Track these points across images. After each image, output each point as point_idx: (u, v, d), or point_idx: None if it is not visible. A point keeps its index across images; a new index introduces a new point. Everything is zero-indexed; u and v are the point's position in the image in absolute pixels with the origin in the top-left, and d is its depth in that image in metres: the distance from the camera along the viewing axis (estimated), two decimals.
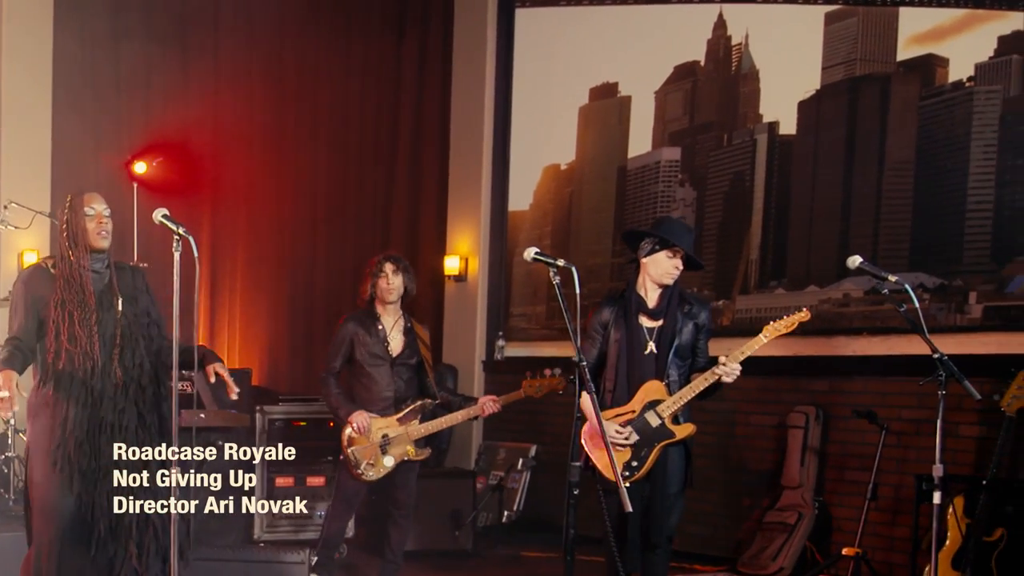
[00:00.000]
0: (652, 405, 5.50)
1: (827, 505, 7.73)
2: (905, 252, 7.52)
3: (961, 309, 7.20)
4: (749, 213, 8.47)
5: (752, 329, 5.67)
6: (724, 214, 8.67)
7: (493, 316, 10.40)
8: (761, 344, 5.49)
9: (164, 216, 4.83)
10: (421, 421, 6.73)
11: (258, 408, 8.28)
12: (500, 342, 10.26)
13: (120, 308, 5.08)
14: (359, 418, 6.62)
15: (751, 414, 8.23)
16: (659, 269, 5.54)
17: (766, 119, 8.44)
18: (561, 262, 4.87)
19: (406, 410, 6.70)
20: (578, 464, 4.87)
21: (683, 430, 5.54)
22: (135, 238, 9.22)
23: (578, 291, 4.80)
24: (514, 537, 8.87)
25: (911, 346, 6.96)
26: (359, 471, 6.64)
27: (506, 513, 8.96)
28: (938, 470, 5.28)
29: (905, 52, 7.65)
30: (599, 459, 5.48)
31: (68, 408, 4.96)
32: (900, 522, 7.23)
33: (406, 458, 6.68)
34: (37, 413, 5.01)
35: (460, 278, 10.55)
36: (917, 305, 5.36)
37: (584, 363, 4.82)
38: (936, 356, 5.26)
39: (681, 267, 5.55)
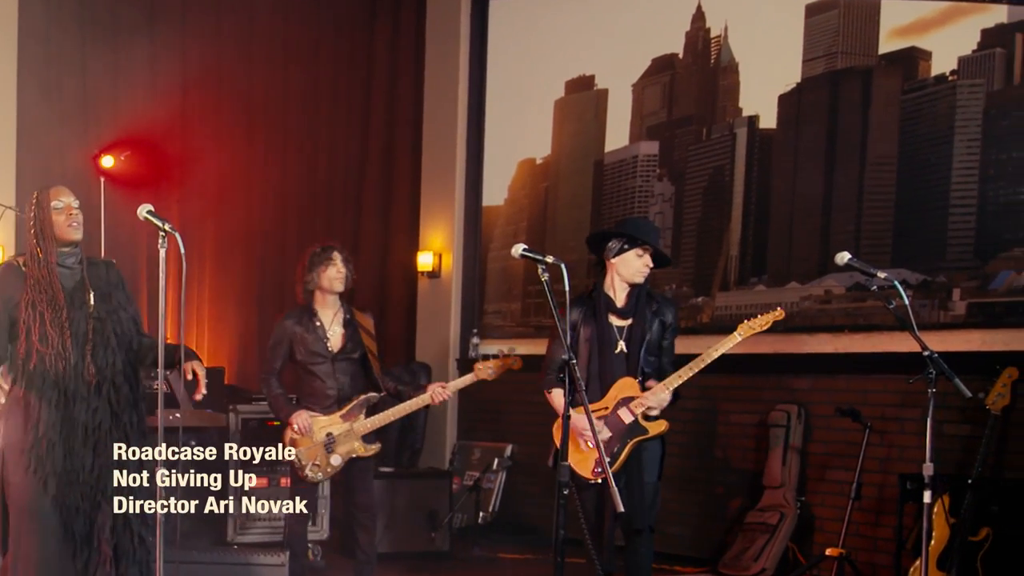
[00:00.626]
0: (625, 402, 5.59)
1: (809, 505, 7.66)
2: (887, 248, 7.45)
3: (944, 306, 7.13)
4: (729, 208, 8.38)
5: (732, 327, 5.70)
6: (703, 209, 8.57)
7: (467, 313, 10.29)
8: (736, 342, 5.62)
9: (149, 212, 4.71)
10: (367, 415, 6.56)
11: (231, 408, 8.16)
12: (475, 339, 10.15)
13: (92, 304, 4.97)
14: (299, 419, 6.43)
15: (732, 413, 8.15)
16: (629, 268, 5.65)
17: (746, 113, 8.35)
18: (550, 258, 4.86)
19: (349, 406, 6.52)
20: (567, 464, 4.79)
21: (656, 426, 5.65)
22: (102, 233, 9.06)
23: (567, 288, 4.77)
24: (490, 538, 8.76)
25: (894, 343, 6.93)
26: (304, 472, 6.47)
27: (482, 514, 8.83)
28: (928, 469, 5.23)
29: (887, 45, 7.56)
30: (572, 455, 5.42)
31: (41, 409, 4.86)
32: (884, 522, 7.16)
33: (355, 455, 6.51)
34: (10, 413, 4.93)
35: (434, 274, 10.42)
36: (907, 302, 5.28)
37: (574, 360, 4.79)
38: (927, 354, 5.20)
39: (651, 265, 5.66)
